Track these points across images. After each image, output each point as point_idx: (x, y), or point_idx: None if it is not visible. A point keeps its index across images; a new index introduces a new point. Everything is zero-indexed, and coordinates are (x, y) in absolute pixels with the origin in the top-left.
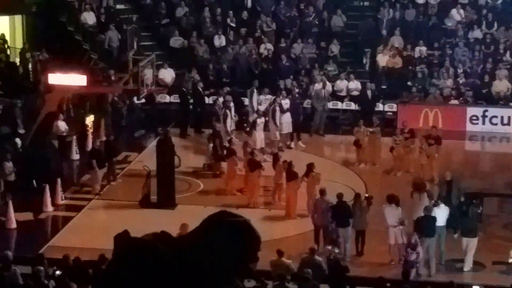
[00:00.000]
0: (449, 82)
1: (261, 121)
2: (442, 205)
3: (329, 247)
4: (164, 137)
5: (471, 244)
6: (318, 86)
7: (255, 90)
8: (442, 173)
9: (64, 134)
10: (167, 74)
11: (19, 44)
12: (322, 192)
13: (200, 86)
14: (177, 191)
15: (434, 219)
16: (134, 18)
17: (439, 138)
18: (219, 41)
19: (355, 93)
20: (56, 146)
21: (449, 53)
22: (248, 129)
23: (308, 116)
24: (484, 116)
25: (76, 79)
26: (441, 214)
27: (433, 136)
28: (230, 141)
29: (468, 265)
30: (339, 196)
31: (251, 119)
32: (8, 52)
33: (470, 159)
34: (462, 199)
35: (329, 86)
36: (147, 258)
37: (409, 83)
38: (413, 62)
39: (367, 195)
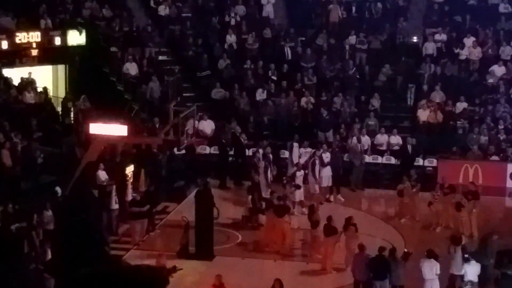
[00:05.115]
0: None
1: (300, 174)
2: (473, 262)
3: None
4: (203, 188)
5: None
6: (354, 140)
7: (295, 143)
8: (481, 229)
9: (104, 183)
10: (207, 126)
11: (61, 93)
12: (361, 247)
13: (243, 137)
14: (216, 243)
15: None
16: (176, 69)
17: (477, 193)
18: (262, 95)
19: (396, 147)
20: (96, 195)
21: (490, 109)
22: (286, 182)
23: (347, 170)
24: None
25: (117, 129)
26: (472, 270)
27: (471, 192)
28: (272, 193)
29: None
30: (380, 249)
31: (290, 172)
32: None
33: (510, 215)
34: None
35: (366, 140)
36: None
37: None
38: (454, 118)
39: (405, 250)
